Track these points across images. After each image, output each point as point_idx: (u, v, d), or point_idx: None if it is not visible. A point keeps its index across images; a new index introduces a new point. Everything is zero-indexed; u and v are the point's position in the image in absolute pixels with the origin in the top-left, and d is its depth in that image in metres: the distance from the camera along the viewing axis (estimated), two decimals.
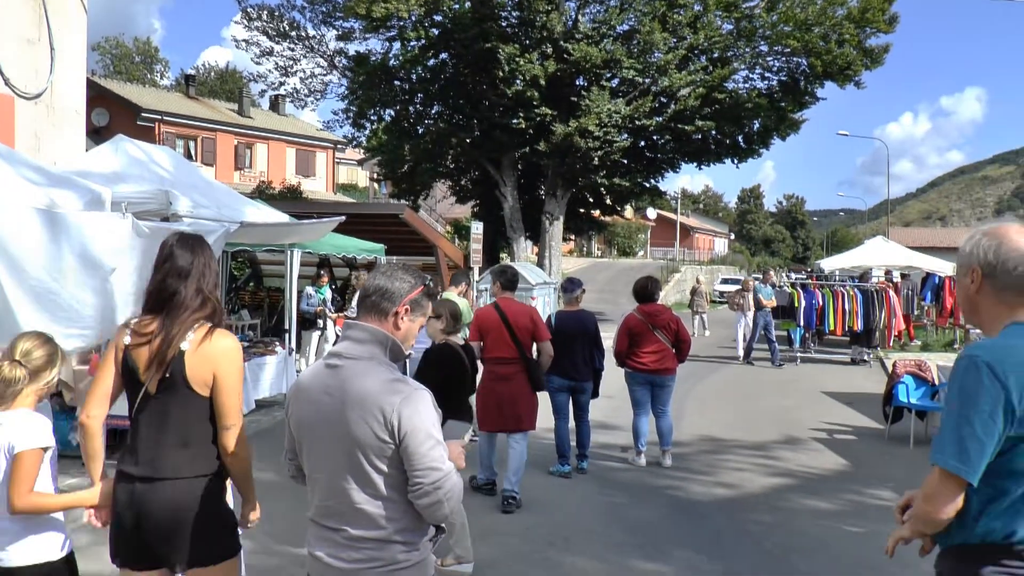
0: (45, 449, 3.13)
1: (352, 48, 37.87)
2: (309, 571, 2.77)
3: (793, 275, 27.24)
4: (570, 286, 8.46)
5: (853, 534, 6.58)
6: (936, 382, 10.65)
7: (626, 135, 24.61)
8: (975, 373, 2.19)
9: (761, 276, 19.98)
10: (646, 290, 8.61)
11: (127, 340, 3.08)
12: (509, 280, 7.58)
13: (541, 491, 7.52)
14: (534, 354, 7.33)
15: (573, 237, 43.98)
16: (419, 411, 2.58)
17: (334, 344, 3.70)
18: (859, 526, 6.78)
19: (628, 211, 54.63)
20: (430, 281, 2.87)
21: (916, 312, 21.65)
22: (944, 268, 21.51)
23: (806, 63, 24.85)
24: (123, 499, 3.02)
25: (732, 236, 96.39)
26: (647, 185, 28.40)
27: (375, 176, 41.53)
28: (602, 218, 35.27)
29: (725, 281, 44.90)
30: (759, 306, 17.65)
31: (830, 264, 23.61)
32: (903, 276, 21.82)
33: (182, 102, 43.50)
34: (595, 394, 8.37)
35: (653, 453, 8.73)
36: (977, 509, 2.24)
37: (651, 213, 69.07)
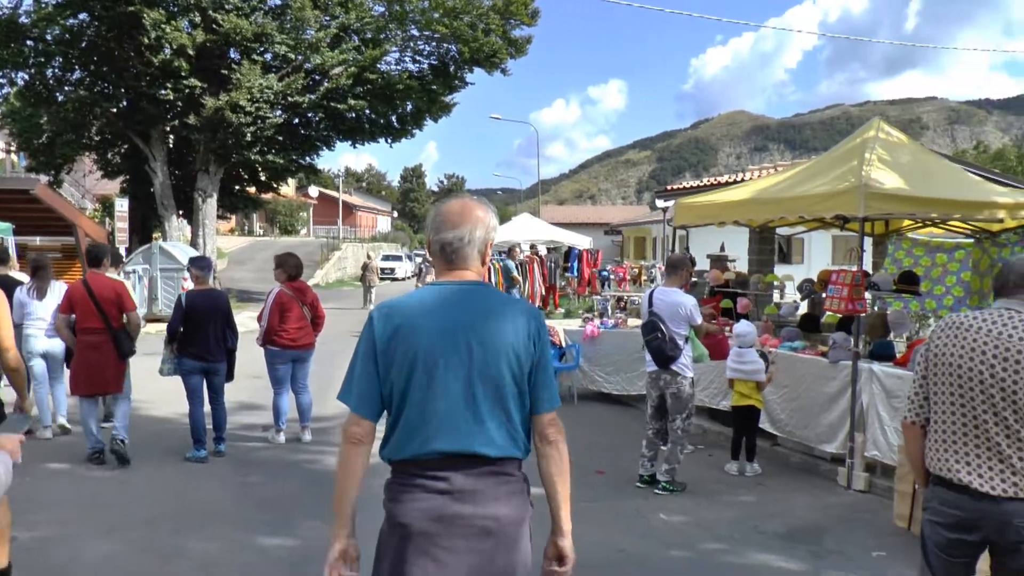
0: None
1: None
2: None
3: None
4: (203, 263, 8.28)
5: None
6: (563, 345, 11.70)
7: (279, 111, 24.24)
8: (367, 323, 2.67)
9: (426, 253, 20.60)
10: (298, 267, 8.67)
11: None
12: (94, 257, 7.86)
13: (174, 479, 7.32)
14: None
15: (231, 215, 42.47)
16: None
17: None
18: None
19: (289, 189, 53.73)
20: None
21: (562, 282, 23.53)
22: (583, 242, 23.53)
23: (455, 49, 25.89)
24: None
25: (395, 214, 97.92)
26: (302, 163, 28.11)
27: (9, 147, 37.25)
28: (259, 195, 34.41)
29: (387, 258, 45.69)
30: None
31: None
32: (549, 250, 23.56)
33: None
34: (230, 376, 8.25)
35: (295, 430, 8.80)
36: (386, 432, 2.68)
37: (313, 191, 68.35)
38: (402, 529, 2.59)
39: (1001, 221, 8.17)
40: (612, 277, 21.59)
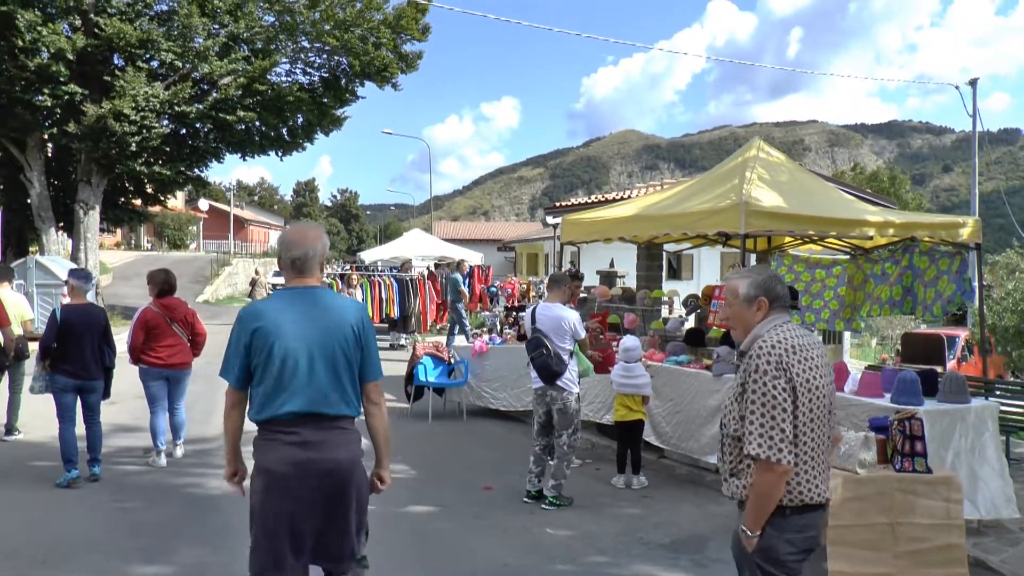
0: None
1: None
2: None
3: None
4: (83, 275, 7.95)
5: None
6: (452, 361, 11.66)
7: (166, 121, 23.46)
8: (237, 320, 3.61)
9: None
10: (167, 283, 8.35)
11: None
12: None
13: (42, 506, 6.95)
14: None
15: (116, 229, 40.85)
16: None
17: None
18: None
19: (178, 202, 52.12)
20: None
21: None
22: (475, 258, 23.55)
23: (346, 62, 25.60)
24: None
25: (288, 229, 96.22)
26: (191, 175, 27.30)
27: None
28: (146, 208, 33.22)
29: (278, 273, 44.75)
30: None
31: (371, 255, 24.65)
32: (436, 266, 23.50)
33: None
34: (107, 394, 7.92)
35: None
36: (252, 399, 3.60)
37: (203, 204, 66.59)
38: (266, 474, 3.46)
39: (872, 238, 8.53)
40: (500, 293, 21.66)
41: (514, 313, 14.01)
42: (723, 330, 8.78)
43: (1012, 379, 16.11)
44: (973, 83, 24.30)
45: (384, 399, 3.78)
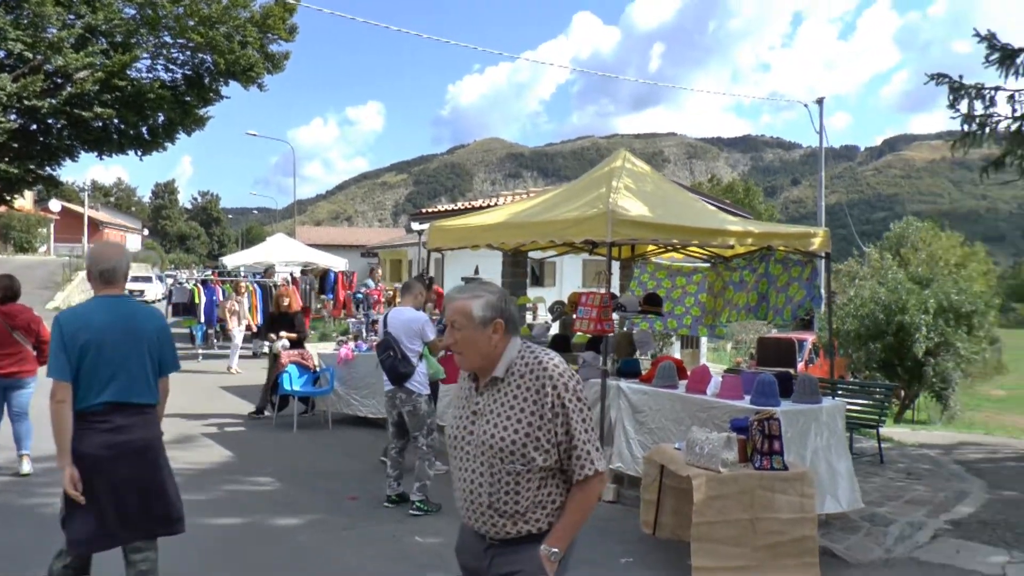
0: None
1: None
2: None
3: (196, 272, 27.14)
4: None
5: (218, 526, 6.79)
6: (317, 368, 11.48)
7: (14, 115, 22.16)
8: (55, 325, 4.08)
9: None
10: (10, 289, 7.91)
11: None
12: None
13: None
14: None
15: None
16: None
17: None
18: (231, 516, 7.03)
19: (26, 202, 49.26)
20: None
21: (317, 305, 23.07)
22: (339, 264, 23.22)
23: (211, 60, 24.80)
24: None
25: (146, 232, 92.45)
26: (41, 173, 25.83)
27: None
28: None
29: (136, 279, 42.95)
30: None
31: (233, 260, 23.97)
32: (303, 272, 23.06)
33: None
34: None
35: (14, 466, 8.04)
36: (73, 392, 4.03)
37: (55, 205, 63.12)
38: (86, 458, 4.00)
39: (732, 247, 8.90)
40: (367, 300, 21.42)
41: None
42: (589, 336, 8.98)
43: (852, 379, 17.10)
44: (820, 102, 25.73)
45: (168, 387, 4.45)
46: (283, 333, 11.66)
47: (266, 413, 11.66)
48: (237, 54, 24.13)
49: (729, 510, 5.52)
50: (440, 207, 26.51)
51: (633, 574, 5.84)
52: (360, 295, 20.09)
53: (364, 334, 12.43)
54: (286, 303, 11.98)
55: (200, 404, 12.50)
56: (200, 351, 18.36)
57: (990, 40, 9.85)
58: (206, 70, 25.47)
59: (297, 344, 11.68)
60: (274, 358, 11.62)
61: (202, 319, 18.32)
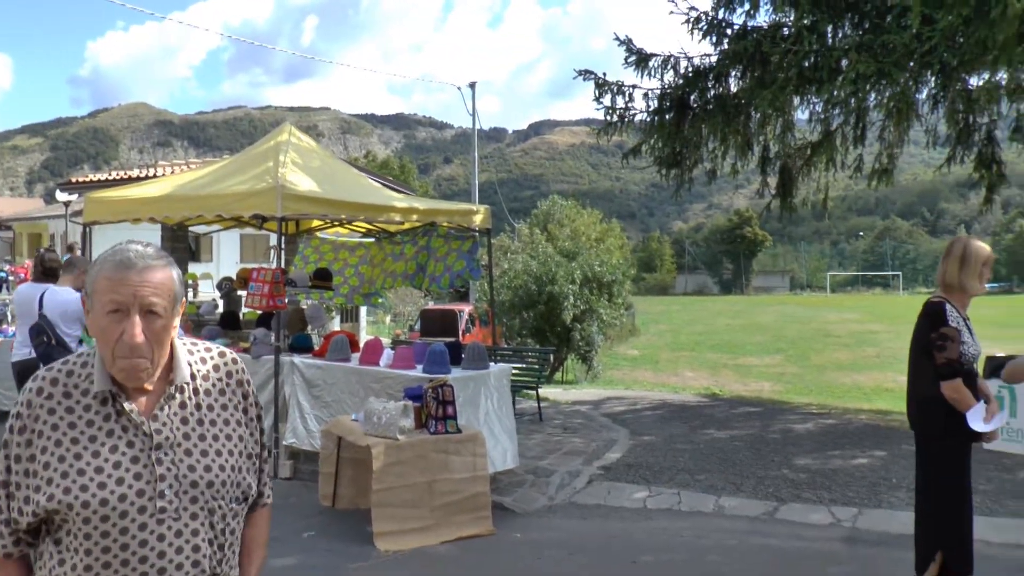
0: None
1: None
2: None
3: None
4: None
5: None
6: None
7: None
8: None
9: None
10: None
11: None
12: None
13: None
14: None
15: None
16: None
17: None
18: None
19: None
20: None
21: None
22: None
23: None
24: None
25: None
26: None
27: None
28: None
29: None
30: None
31: None
32: None
33: None
34: None
35: None
36: None
37: None
38: None
39: (401, 223, 9.17)
40: (12, 279, 19.14)
41: None
42: (259, 312, 8.82)
43: (506, 345, 18.29)
44: (472, 86, 26.98)
45: None
46: None
47: None
48: None
49: (407, 475, 5.76)
50: (92, 176, 24.22)
51: (316, 546, 5.90)
52: (3, 273, 17.95)
53: (9, 318, 11.19)
54: None
55: None
56: None
57: (628, 44, 10.92)
58: None
59: None
60: None
61: None
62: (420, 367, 7.22)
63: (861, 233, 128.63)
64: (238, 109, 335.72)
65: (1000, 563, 5.41)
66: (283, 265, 8.16)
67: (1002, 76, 10.73)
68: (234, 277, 10.35)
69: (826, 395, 17.22)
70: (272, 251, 8.71)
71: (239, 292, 10.06)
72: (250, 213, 8.41)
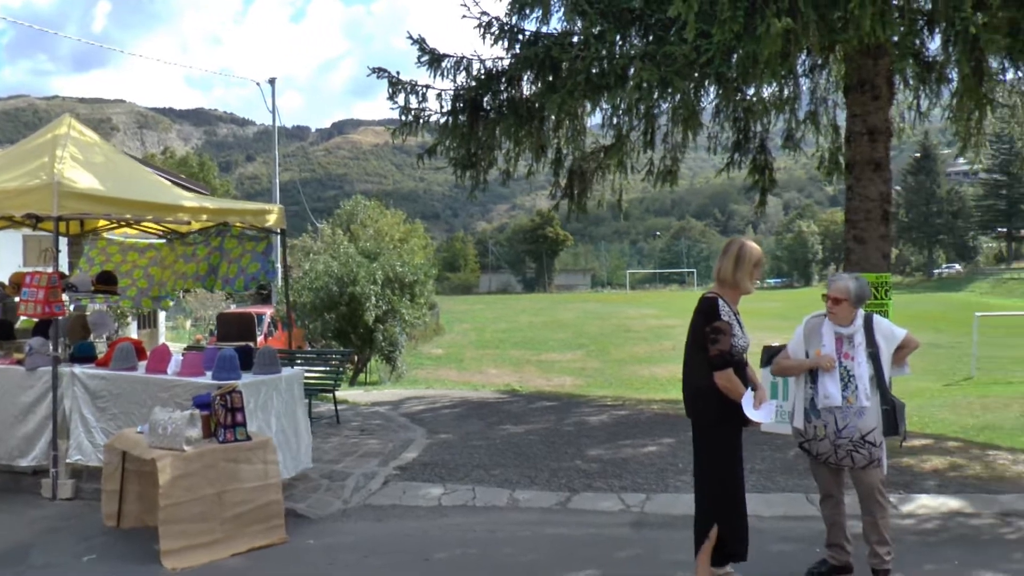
0: None
1: None
2: None
3: None
4: None
5: None
6: None
7: None
8: None
9: None
10: None
11: None
12: None
13: None
14: None
15: None
16: None
17: None
18: None
19: None
20: None
21: None
22: None
23: None
24: None
25: None
26: None
27: None
28: None
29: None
30: None
31: None
32: None
33: None
34: None
35: None
36: None
37: None
38: None
39: (189, 223, 8.84)
40: None
41: None
42: (35, 320, 8.25)
43: (309, 348, 18.01)
44: (272, 82, 26.32)
45: None
46: None
47: None
48: None
49: (196, 487, 5.58)
50: None
51: (96, 570, 5.59)
52: None
53: None
54: None
55: None
56: None
57: (421, 44, 10.96)
58: None
59: None
60: None
61: None
62: (209, 373, 7.00)
63: (658, 233, 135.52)
64: (20, 99, 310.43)
65: (768, 535, 5.89)
66: (65, 268, 7.68)
67: (771, 89, 11.67)
68: (7, 283, 9.61)
69: (624, 388, 18.05)
70: (48, 253, 8.15)
71: (14, 299, 9.35)
72: (23, 212, 7.84)
